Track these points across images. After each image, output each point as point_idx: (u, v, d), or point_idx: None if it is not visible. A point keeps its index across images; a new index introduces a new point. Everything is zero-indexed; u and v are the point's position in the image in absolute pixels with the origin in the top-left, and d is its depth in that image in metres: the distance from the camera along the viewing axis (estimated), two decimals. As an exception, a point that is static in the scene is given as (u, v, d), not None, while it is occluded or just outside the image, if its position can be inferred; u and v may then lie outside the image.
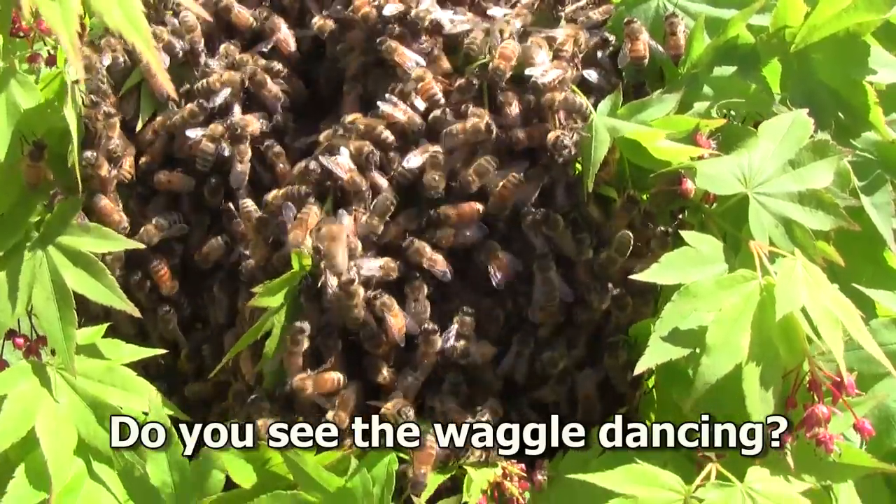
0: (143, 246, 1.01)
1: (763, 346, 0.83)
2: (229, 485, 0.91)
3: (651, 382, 1.01)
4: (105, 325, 1.01)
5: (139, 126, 1.03)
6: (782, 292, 0.82)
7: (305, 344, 0.94)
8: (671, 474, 0.83)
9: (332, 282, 0.93)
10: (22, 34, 1.08)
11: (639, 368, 0.84)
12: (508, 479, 0.89)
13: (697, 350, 0.83)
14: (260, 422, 0.92)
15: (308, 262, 0.94)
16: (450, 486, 0.91)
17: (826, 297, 0.84)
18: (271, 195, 1.00)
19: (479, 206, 0.96)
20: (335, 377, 0.94)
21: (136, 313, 0.97)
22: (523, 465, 0.91)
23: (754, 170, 0.91)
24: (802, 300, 0.82)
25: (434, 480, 0.89)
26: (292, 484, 0.89)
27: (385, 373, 0.95)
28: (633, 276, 0.87)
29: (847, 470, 0.86)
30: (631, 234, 0.94)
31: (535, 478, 0.91)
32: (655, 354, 0.84)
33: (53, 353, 0.97)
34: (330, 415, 0.93)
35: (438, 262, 0.96)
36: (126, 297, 0.96)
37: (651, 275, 0.86)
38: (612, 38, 1.01)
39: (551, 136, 0.95)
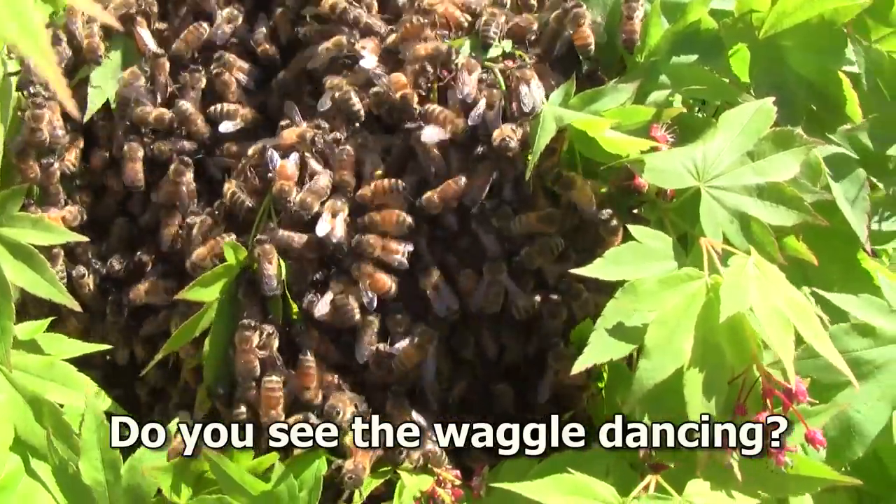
0: (86, 239, 0.99)
1: (708, 350, 0.78)
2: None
3: (602, 384, 0.96)
4: (48, 320, 0.98)
5: (86, 118, 1.01)
6: (728, 292, 0.76)
7: (255, 341, 0.91)
8: (606, 485, 0.78)
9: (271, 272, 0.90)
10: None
11: (576, 368, 0.79)
12: (442, 486, 0.85)
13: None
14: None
15: (243, 256, 0.91)
16: (384, 491, 0.87)
17: (780, 298, 0.78)
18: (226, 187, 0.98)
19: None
20: None
21: (77, 307, 0.95)
22: (458, 472, 0.87)
23: (708, 162, 0.85)
24: (750, 301, 0.77)
25: (368, 484, 0.86)
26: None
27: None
28: (574, 271, 0.82)
29: (803, 483, 0.81)
30: (561, 241, 0.91)
31: (473, 484, 0.87)
32: (595, 354, 0.79)
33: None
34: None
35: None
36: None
37: (593, 270, 0.81)
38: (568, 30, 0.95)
39: (496, 134, 0.90)
